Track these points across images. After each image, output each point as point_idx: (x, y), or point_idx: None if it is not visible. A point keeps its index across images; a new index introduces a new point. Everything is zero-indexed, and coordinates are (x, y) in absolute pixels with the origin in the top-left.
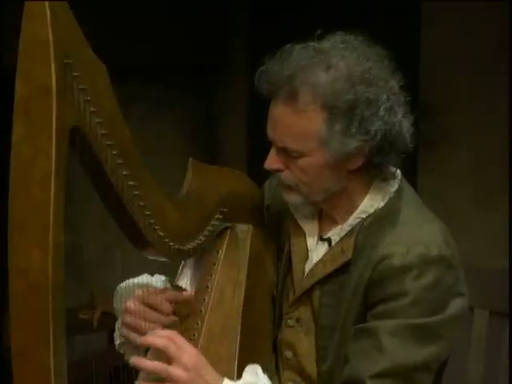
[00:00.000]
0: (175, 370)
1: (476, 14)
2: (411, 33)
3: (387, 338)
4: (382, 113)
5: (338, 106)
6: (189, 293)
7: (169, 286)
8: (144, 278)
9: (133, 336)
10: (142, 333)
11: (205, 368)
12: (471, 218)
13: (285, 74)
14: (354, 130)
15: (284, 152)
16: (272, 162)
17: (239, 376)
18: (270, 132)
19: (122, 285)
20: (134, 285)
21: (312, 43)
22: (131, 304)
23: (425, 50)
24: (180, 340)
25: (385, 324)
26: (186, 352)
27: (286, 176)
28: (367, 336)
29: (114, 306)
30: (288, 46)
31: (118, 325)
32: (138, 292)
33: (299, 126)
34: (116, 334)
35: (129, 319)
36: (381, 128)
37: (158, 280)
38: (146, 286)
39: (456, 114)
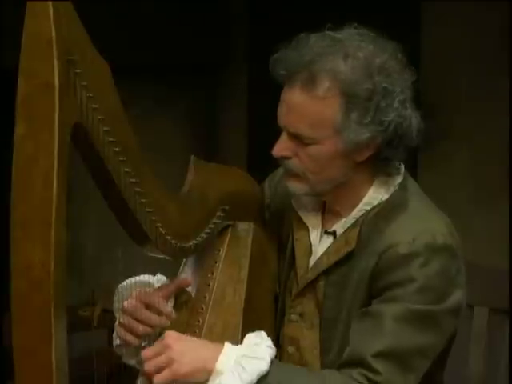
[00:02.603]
0: (164, 341)
1: (476, 14)
2: (411, 33)
3: (390, 321)
4: (396, 105)
5: (356, 94)
6: (188, 280)
7: None
8: (145, 278)
9: (129, 338)
10: (138, 335)
11: (193, 340)
12: (471, 217)
13: (304, 59)
14: (368, 120)
15: (295, 138)
16: (281, 148)
17: None
18: (282, 118)
19: (123, 284)
20: (133, 284)
21: (328, 32)
22: (127, 304)
23: (425, 50)
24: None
25: (389, 308)
26: (166, 337)
27: (294, 163)
28: (371, 318)
29: (114, 305)
30: (303, 34)
31: (116, 325)
32: (136, 292)
33: (315, 112)
34: (115, 335)
35: (124, 320)
36: (394, 120)
37: (159, 280)
38: (147, 286)
39: (456, 113)
